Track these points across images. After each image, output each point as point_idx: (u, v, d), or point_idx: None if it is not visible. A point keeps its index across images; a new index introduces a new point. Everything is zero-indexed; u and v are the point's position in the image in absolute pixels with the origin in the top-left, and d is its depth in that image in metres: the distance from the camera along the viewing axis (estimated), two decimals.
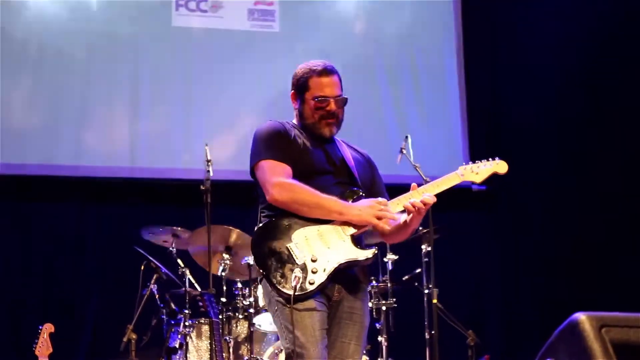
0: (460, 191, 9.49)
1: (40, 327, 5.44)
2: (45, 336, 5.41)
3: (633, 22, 9.65)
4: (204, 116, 9.20)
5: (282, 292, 4.09)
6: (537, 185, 9.79)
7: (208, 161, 6.78)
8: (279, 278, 4.11)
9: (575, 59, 9.84)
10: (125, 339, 7.43)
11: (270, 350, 6.94)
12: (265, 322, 6.94)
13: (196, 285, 7.22)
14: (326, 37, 9.66)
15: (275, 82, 9.22)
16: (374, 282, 7.36)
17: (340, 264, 4.13)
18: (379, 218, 4.14)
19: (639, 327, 2.78)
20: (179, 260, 7.27)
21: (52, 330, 5.46)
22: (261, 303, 6.78)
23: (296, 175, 4.25)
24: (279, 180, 4.19)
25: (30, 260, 8.72)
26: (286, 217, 4.21)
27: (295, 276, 4.03)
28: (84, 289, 8.83)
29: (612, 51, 9.75)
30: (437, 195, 4.37)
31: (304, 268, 4.08)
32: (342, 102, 4.42)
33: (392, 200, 4.32)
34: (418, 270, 7.52)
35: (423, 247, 7.41)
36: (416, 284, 7.56)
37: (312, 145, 4.38)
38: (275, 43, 9.56)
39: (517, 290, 9.67)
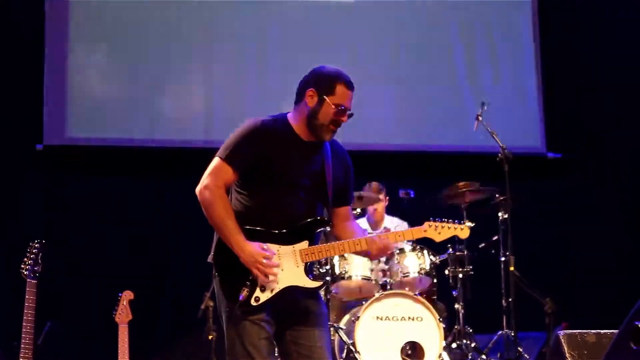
0: (536, 160, 9.43)
1: (120, 295, 5.50)
2: (125, 303, 5.45)
3: None
4: (278, 84, 9.11)
5: (228, 299, 4.23)
6: (615, 151, 9.62)
7: None
8: (230, 285, 4.23)
9: None
10: (202, 307, 7.53)
11: (346, 317, 6.96)
12: (341, 290, 6.95)
13: None
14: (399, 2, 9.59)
15: (347, 52, 9.21)
16: (450, 250, 7.33)
17: (286, 287, 4.22)
18: (258, 269, 4.14)
19: None
20: None
21: (132, 297, 5.51)
22: (337, 271, 6.79)
23: (270, 183, 4.29)
24: (212, 184, 4.27)
25: (108, 230, 8.84)
26: (254, 224, 4.26)
27: (244, 289, 4.15)
28: (162, 258, 8.96)
29: None
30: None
31: (254, 283, 4.17)
32: (349, 118, 4.37)
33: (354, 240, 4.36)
34: (495, 238, 7.45)
35: (500, 214, 7.32)
36: (493, 251, 7.48)
37: (295, 153, 4.35)
38: (349, 10, 9.49)
39: (595, 257, 9.53)
